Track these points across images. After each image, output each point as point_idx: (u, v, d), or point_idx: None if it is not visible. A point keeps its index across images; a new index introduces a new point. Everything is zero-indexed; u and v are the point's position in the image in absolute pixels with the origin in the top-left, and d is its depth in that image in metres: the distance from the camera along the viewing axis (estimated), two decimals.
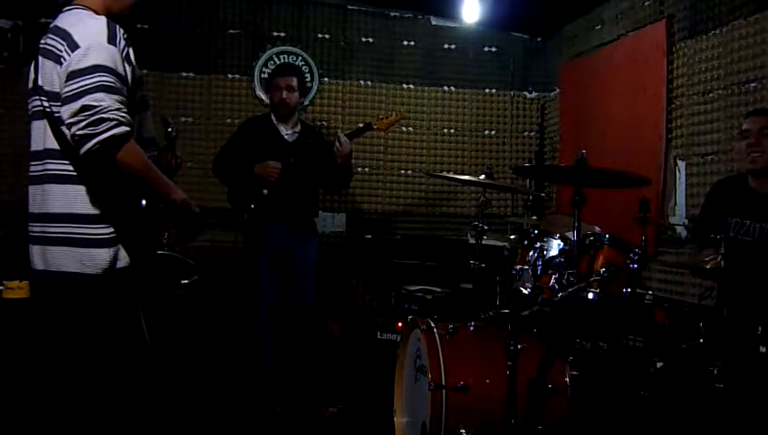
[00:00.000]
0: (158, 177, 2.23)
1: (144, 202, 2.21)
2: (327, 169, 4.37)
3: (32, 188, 2.28)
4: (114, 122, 2.05)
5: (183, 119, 5.40)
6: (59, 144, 2.17)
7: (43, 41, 2.23)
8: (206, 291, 4.98)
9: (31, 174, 2.28)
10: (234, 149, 4.42)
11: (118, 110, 2.07)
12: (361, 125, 4.64)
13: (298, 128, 4.47)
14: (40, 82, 2.20)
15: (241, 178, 4.33)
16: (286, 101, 4.35)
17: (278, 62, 5.52)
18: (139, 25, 5.29)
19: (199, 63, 5.44)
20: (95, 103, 2.04)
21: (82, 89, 2.05)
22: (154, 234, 2.27)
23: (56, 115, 2.15)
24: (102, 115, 2.03)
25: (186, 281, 2.43)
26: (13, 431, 3.23)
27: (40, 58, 2.21)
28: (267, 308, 4.24)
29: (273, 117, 4.44)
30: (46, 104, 2.18)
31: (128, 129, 2.09)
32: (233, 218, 4.46)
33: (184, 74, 5.43)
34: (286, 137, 4.40)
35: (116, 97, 2.08)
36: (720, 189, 3.41)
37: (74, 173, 2.17)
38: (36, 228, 2.25)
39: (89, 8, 2.23)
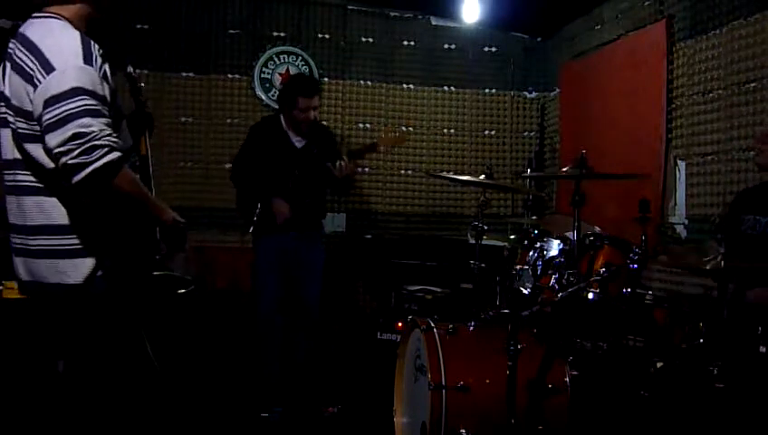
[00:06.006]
0: (150, 200, 2.19)
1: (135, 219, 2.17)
2: (332, 176, 4.35)
3: (8, 198, 2.21)
4: (106, 149, 1.97)
5: (183, 119, 5.40)
6: (22, 156, 2.11)
7: (11, 46, 2.12)
8: (209, 291, 4.98)
9: (5, 183, 2.21)
10: (247, 156, 4.38)
11: (109, 135, 1.99)
12: (366, 144, 4.63)
13: (307, 134, 4.41)
14: (7, 93, 2.10)
15: (255, 190, 4.30)
16: (311, 119, 4.29)
17: (278, 62, 5.52)
18: (138, 25, 5.29)
19: (199, 63, 5.44)
20: (85, 130, 1.94)
21: (67, 114, 1.95)
22: (146, 249, 2.24)
23: (20, 132, 2.08)
24: (95, 142, 1.95)
25: (182, 290, 2.42)
26: (13, 431, 3.23)
27: (8, 66, 2.11)
28: (269, 307, 4.24)
29: (283, 122, 4.37)
30: (11, 118, 2.10)
31: (120, 154, 2.01)
32: (233, 219, 4.46)
33: (184, 74, 5.43)
34: (295, 143, 4.35)
35: (102, 120, 1.99)
36: (743, 193, 3.44)
37: (41, 185, 2.11)
38: (17, 240, 2.21)
39: (61, 16, 2.11)
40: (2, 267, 3.47)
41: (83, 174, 1.95)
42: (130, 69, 2.48)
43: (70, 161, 1.94)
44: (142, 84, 2.53)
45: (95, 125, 1.96)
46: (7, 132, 2.15)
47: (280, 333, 4.27)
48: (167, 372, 2.32)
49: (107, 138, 1.98)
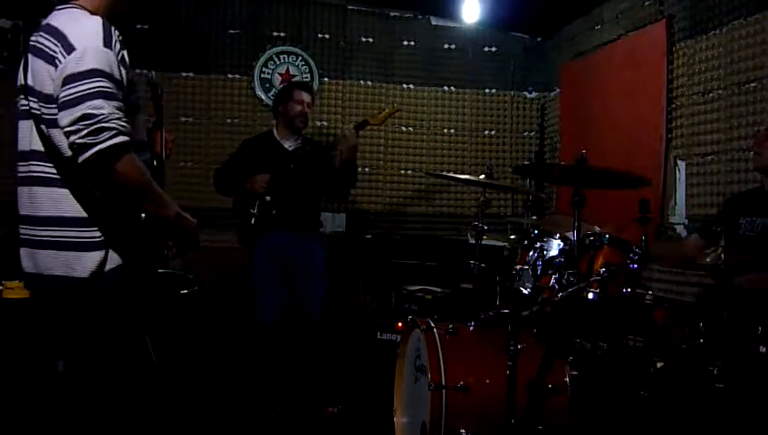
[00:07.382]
0: (154, 191, 2.16)
1: (144, 214, 2.16)
2: (327, 174, 4.34)
3: (20, 190, 2.24)
4: (114, 132, 2.01)
5: (183, 119, 5.40)
6: (43, 146, 2.13)
7: (33, 38, 2.17)
8: (208, 291, 4.97)
9: (18, 175, 2.23)
10: (233, 167, 4.42)
11: (118, 119, 2.03)
12: (360, 121, 4.61)
13: (299, 140, 4.43)
14: (29, 83, 2.14)
15: (239, 193, 4.36)
16: (306, 112, 4.34)
17: (278, 62, 5.53)
18: (138, 25, 5.29)
19: (199, 63, 5.44)
20: (95, 112, 1.99)
21: (81, 94, 2.00)
22: (155, 247, 2.23)
23: (45, 117, 2.10)
24: (103, 124, 1.99)
25: (185, 291, 2.42)
26: (13, 431, 3.23)
27: (30, 56, 2.15)
28: (269, 312, 4.23)
29: (275, 133, 4.40)
30: (34, 105, 2.13)
31: (127, 138, 2.04)
32: (232, 219, 4.46)
33: (184, 74, 5.43)
34: (287, 147, 4.37)
35: (114, 104, 2.04)
36: (737, 197, 3.45)
37: (57, 176, 2.12)
38: (25, 231, 2.22)
39: (83, 8, 2.17)
40: (2, 267, 3.48)
41: (88, 154, 2.00)
42: (152, 75, 2.53)
43: (77, 140, 1.99)
44: (164, 91, 2.59)
45: (106, 108, 2.01)
46: (26, 124, 2.18)
47: (280, 336, 4.26)
48: (166, 372, 2.32)
49: (116, 121, 2.02)
